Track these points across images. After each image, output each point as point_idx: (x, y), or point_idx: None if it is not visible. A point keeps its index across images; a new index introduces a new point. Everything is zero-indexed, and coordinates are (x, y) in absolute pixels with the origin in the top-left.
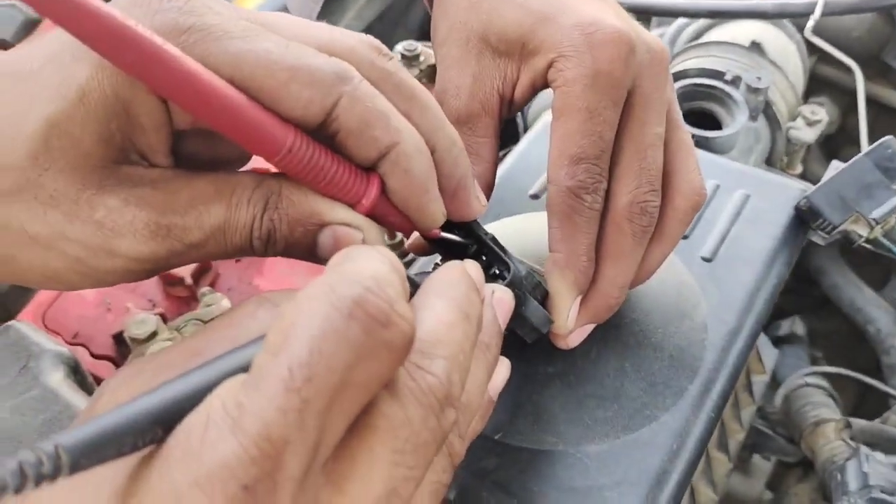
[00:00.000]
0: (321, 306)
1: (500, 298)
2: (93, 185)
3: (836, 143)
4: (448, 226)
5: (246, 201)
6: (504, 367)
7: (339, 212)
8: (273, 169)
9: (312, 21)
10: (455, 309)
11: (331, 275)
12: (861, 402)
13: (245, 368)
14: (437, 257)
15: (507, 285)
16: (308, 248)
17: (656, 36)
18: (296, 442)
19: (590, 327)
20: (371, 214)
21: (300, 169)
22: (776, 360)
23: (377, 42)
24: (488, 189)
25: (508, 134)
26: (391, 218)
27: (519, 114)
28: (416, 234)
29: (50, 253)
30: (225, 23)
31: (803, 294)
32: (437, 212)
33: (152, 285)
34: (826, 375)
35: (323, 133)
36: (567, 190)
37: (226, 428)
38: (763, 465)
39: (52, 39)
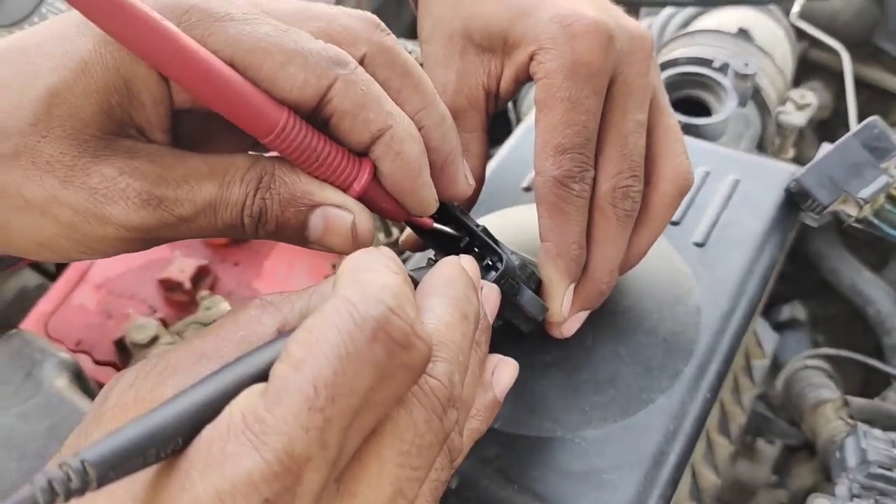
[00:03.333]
0: (345, 323)
1: (486, 295)
2: (89, 154)
3: (831, 127)
4: (440, 217)
5: (239, 180)
6: (512, 368)
7: (330, 193)
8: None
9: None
10: (454, 309)
11: (353, 288)
12: (865, 385)
13: (261, 376)
14: (431, 252)
15: (501, 276)
16: (298, 229)
17: (640, 24)
18: (317, 459)
19: (584, 315)
20: (363, 199)
21: (293, 149)
22: (777, 345)
23: (376, 18)
24: (479, 183)
25: (501, 129)
26: (383, 203)
27: (511, 108)
28: (408, 231)
29: (43, 218)
30: (226, 5)
31: (804, 279)
32: (429, 197)
33: (152, 291)
34: (828, 358)
35: (318, 117)
36: (554, 180)
37: (247, 441)
38: (769, 451)
39: (59, 18)
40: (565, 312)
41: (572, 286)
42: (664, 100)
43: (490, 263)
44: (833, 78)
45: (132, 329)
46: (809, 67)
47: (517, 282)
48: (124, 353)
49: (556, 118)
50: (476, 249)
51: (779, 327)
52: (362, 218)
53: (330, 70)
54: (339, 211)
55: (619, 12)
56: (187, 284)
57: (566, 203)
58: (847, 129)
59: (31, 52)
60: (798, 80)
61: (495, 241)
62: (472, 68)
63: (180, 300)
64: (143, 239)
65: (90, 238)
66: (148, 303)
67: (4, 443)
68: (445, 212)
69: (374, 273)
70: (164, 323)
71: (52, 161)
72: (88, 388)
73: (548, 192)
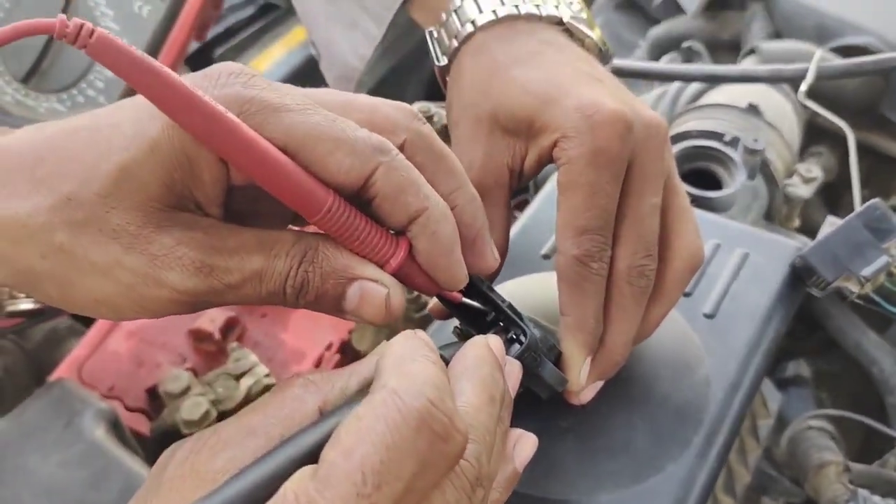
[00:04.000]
0: (392, 415)
1: (509, 372)
2: (152, 224)
3: (836, 191)
4: (468, 292)
5: (285, 253)
6: (532, 443)
7: (368, 269)
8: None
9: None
10: (483, 392)
11: (398, 380)
12: (867, 444)
13: (310, 457)
14: (456, 321)
15: (524, 350)
16: (335, 300)
17: (653, 108)
18: None
19: (600, 384)
20: (398, 274)
21: (337, 228)
22: (782, 403)
23: (414, 108)
24: (502, 255)
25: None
26: (417, 279)
27: None
28: (435, 300)
29: (105, 279)
30: (282, 97)
31: (809, 337)
32: (460, 272)
33: (182, 340)
34: (831, 417)
35: (361, 198)
36: (574, 259)
37: None
38: None
39: (131, 102)
40: (583, 382)
41: (590, 358)
42: (677, 181)
43: (514, 337)
44: (838, 143)
45: (167, 380)
46: (815, 132)
47: (539, 355)
48: (156, 401)
49: (577, 201)
50: (501, 323)
51: (783, 384)
52: (396, 292)
53: (374, 157)
54: (376, 285)
55: (636, 100)
56: (217, 335)
57: (585, 280)
58: (851, 194)
59: (105, 130)
60: (805, 144)
61: (519, 316)
62: (499, 149)
63: (209, 350)
64: (192, 302)
65: (146, 299)
66: (178, 351)
67: (45, 490)
68: (472, 286)
69: (416, 364)
70: (195, 372)
71: (118, 230)
72: (125, 436)
73: (568, 269)
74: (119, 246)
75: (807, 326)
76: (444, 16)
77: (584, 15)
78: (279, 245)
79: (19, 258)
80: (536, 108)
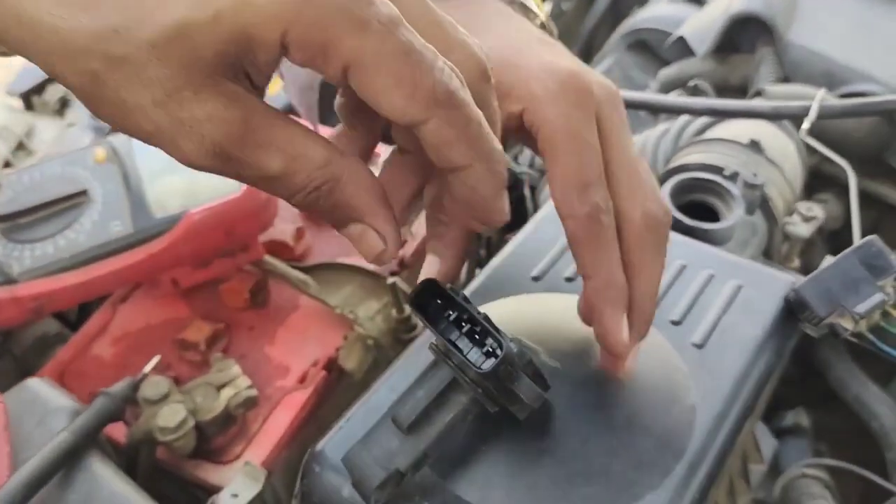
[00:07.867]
0: None
1: None
2: (191, 88)
3: (842, 238)
4: (443, 304)
5: (305, 174)
6: None
7: (378, 219)
8: None
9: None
10: None
11: None
12: (865, 499)
13: None
14: (432, 337)
15: (500, 363)
16: (338, 224)
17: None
18: None
19: (637, 349)
20: None
21: None
22: (778, 451)
23: (485, 66)
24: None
25: (518, 216)
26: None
27: (529, 197)
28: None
29: (142, 117)
30: (368, 15)
31: (810, 387)
32: (494, 219)
33: (168, 349)
34: (830, 470)
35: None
36: (586, 217)
37: None
38: None
39: None
40: (626, 339)
41: (625, 315)
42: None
43: (490, 350)
44: (844, 191)
45: (146, 386)
46: (821, 179)
47: (515, 369)
48: (136, 408)
49: (570, 159)
50: (476, 336)
51: (781, 433)
52: (392, 249)
53: (428, 109)
54: (375, 236)
55: (586, 65)
56: (202, 346)
57: (602, 236)
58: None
59: None
60: (811, 190)
61: (496, 329)
62: None
63: (194, 360)
64: (205, 168)
65: (163, 143)
66: (163, 360)
67: None
68: (447, 298)
69: None
70: (177, 380)
71: (154, 80)
72: (99, 439)
73: (581, 230)
74: (150, 96)
75: (809, 375)
76: None
77: None
78: (303, 161)
79: (63, 73)
80: (497, 73)
